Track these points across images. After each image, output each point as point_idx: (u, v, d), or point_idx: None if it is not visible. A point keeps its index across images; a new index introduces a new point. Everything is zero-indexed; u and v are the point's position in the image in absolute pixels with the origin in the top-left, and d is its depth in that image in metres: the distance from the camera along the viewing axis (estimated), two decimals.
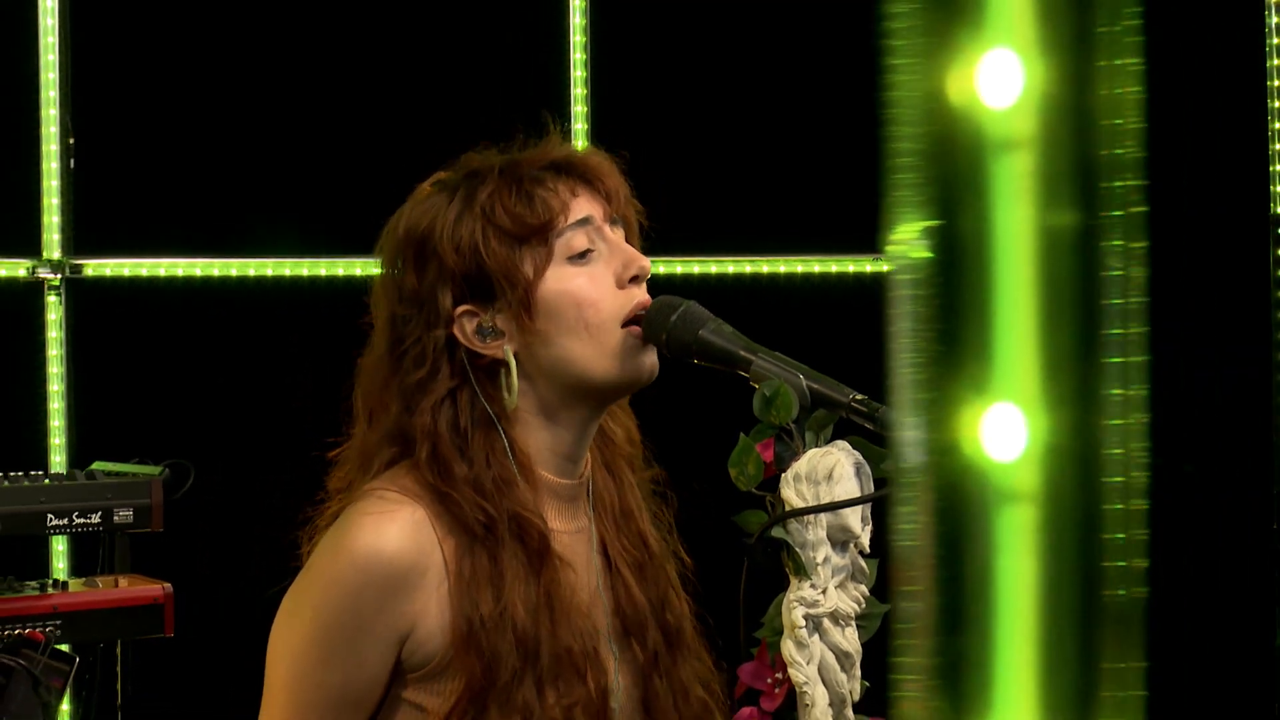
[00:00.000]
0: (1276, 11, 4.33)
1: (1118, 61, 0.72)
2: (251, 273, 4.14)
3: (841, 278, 4.36)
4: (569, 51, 4.26)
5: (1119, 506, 0.73)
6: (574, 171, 1.94)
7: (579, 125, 4.17)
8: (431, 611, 1.87)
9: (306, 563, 1.90)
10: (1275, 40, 4.37)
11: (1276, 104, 4.33)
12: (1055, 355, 0.72)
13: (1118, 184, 0.72)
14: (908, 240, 0.72)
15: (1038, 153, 0.71)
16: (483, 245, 1.89)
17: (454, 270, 1.90)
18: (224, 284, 4.11)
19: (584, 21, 4.28)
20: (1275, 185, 4.34)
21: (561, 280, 1.91)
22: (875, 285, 4.35)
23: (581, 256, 1.91)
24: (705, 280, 4.31)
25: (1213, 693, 4.49)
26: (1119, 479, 0.73)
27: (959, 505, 0.72)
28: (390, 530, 1.86)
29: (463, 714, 1.86)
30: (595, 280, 1.91)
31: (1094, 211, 0.72)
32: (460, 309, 1.90)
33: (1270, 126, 4.33)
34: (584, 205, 1.92)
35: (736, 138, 4.35)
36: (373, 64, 4.26)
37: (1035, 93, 0.72)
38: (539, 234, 1.90)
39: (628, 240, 1.98)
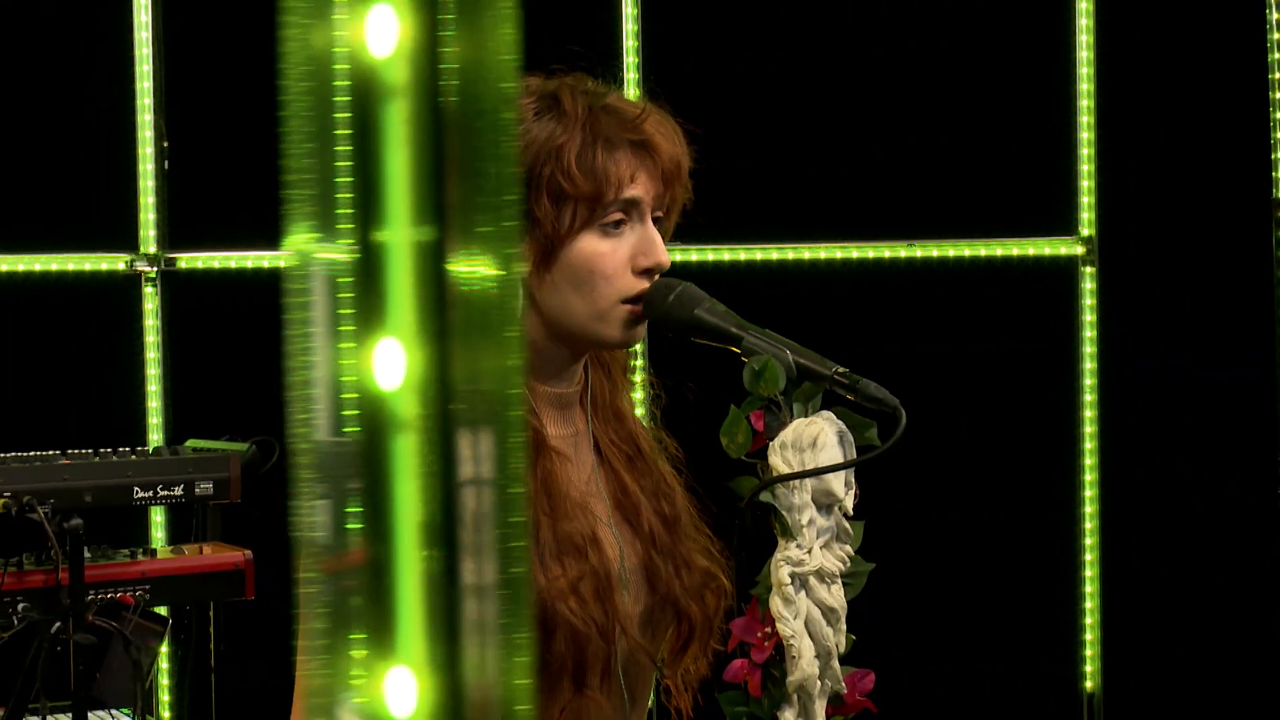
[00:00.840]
0: (1277, 8, 4.27)
1: (484, 22, 0.73)
2: None
3: (878, 263, 4.34)
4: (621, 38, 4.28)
5: (490, 436, 0.75)
6: (645, 151, 1.95)
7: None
8: None
9: None
10: (1276, 36, 4.31)
11: (1278, 95, 4.27)
12: (431, 294, 0.73)
13: (486, 130, 0.73)
14: (296, 190, 0.74)
15: (413, 100, 0.73)
16: (535, 185, 1.92)
17: None
18: None
19: (635, 11, 4.30)
20: (1277, 171, 4.27)
21: (588, 245, 1.94)
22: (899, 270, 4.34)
23: (615, 227, 1.94)
24: (751, 267, 4.30)
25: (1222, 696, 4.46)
26: (492, 410, 0.74)
27: (358, 433, 0.74)
28: None
29: None
30: (615, 256, 1.95)
31: (460, 155, 0.73)
32: None
33: (1272, 116, 4.27)
34: (638, 187, 1.95)
35: (762, 136, 4.34)
36: None
37: (408, 45, 0.73)
38: (588, 200, 1.92)
39: (669, 218, 2.00)
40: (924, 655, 4.32)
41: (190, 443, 3.52)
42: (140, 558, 3.20)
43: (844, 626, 1.88)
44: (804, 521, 1.84)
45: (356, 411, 0.74)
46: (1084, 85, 4.32)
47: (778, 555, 1.84)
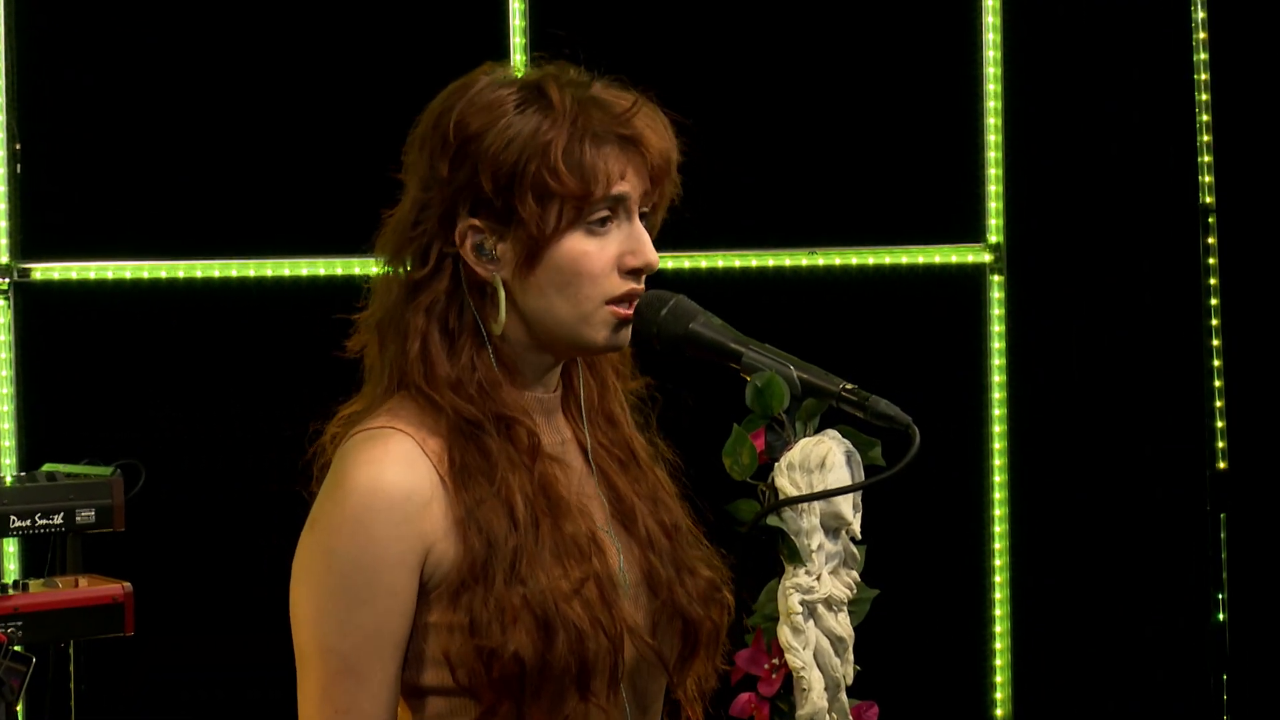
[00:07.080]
0: (1202, 7, 4.34)
1: None
2: (199, 274, 4.07)
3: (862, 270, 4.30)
4: None
5: None
6: (634, 146, 1.88)
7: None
8: (440, 526, 1.83)
9: (309, 518, 1.85)
10: (1201, 35, 4.37)
11: (1203, 96, 4.34)
12: None
13: None
14: None
15: None
16: (518, 183, 1.84)
17: (483, 186, 1.85)
18: (171, 286, 4.04)
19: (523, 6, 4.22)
20: (1203, 176, 4.34)
21: (574, 245, 1.86)
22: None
23: (600, 224, 1.88)
24: (730, 274, 4.25)
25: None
26: None
27: None
28: (385, 460, 1.83)
29: (472, 587, 1.81)
30: (601, 256, 1.87)
31: None
32: (472, 221, 1.85)
33: (1198, 118, 4.33)
34: (626, 184, 1.87)
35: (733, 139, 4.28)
36: (316, 59, 4.17)
37: None
38: (576, 198, 1.85)
39: (656, 214, 1.94)
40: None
41: (48, 467, 3.40)
42: (12, 592, 3.08)
43: (851, 656, 1.83)
44: (813, 546, 1.79)
45: None
46: (991, 86, 4.34)
47: (786, 582, 1.78)
